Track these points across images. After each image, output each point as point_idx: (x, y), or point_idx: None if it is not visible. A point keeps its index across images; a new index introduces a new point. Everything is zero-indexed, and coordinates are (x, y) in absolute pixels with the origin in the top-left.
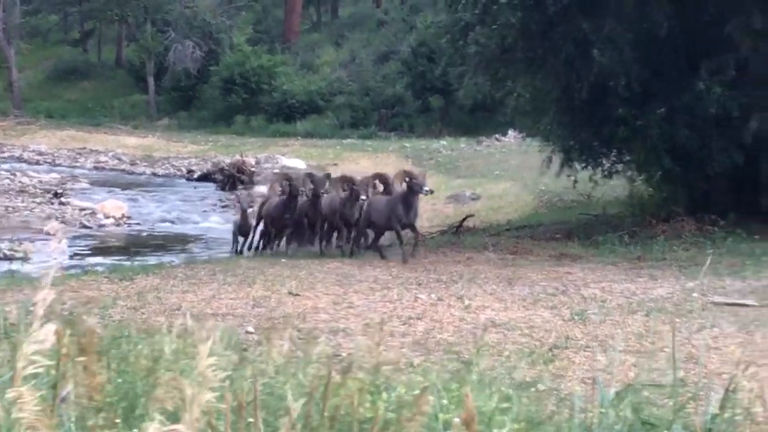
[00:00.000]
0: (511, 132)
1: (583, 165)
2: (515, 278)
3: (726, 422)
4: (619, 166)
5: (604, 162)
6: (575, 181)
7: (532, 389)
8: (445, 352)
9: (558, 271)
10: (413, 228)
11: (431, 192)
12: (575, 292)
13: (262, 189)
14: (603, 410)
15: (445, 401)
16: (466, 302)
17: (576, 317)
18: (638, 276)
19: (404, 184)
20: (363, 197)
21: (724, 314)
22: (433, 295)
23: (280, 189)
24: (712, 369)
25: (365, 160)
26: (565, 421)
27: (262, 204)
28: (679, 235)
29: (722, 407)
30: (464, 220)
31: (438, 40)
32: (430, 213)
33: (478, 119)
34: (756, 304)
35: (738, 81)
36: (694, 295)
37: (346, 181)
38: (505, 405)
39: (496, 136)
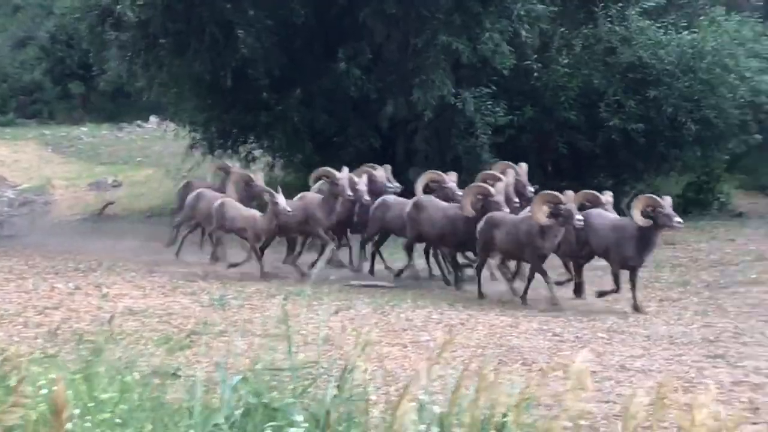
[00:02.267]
0: (153, 118)
1: (224, 151)
2: (155, 265)
3: (344, 402)
4: (259, 152)
5: (241, 149)
6: None
7: (165, 375)
8: (80, 341)
9: (199, 258)
10: (633, 271)
11: (682, 225)
12: (215, 278)
13: None
14: (225, 395)
15: (70, 391)
16: (104, 290)
17: (215, 303)
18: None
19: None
20: (579, 220)
21: (361, 296)
22: (70, 284)
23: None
24: (347, 350)
25: (3, 149)
26: (188, 407)
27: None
28: None
29: (340, 388)
30: (105, 207)
31: (76, 25)
32: (71, 201)
33: (120, 105)
34: (390, 285)
35: (374, 66)
36: (332, 278)
37: (551, 201)
38: (127, 393)
39: (138, 122)
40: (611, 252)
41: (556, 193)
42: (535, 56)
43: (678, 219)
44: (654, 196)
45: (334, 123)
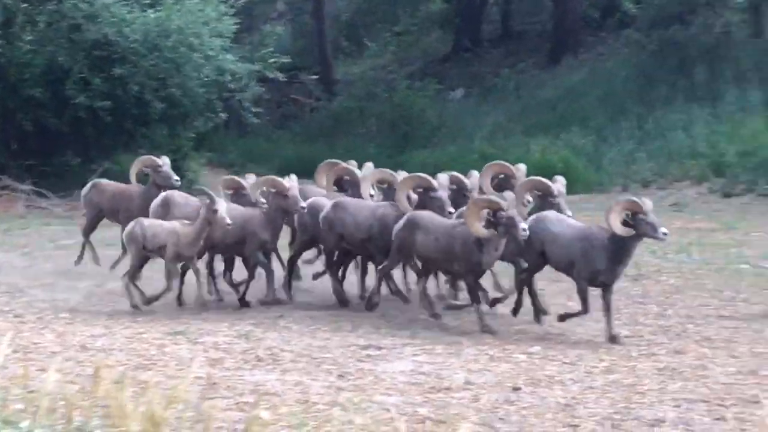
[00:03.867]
0: None
1: None
2: None
3: None
4: None
5: None
6: None
7: None
8: None
9: None
10: (606, 289)
11: (666, 236)
12: None
13: None
14: None
15: None
16: None
17: None
18: None
19: (613, 220)
20: (524, 230)
21: None
22: None
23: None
24: None
25: None
26: None
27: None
28: None
29: None
30: None
31: None
32: None
33: None
34: None
35: None
36: None
37: (489, 207)
38: None
39: None
40: (578, 266)
41: (494, 197)
42: None
43: (664, 230)
44: (636, 200)
45: None
